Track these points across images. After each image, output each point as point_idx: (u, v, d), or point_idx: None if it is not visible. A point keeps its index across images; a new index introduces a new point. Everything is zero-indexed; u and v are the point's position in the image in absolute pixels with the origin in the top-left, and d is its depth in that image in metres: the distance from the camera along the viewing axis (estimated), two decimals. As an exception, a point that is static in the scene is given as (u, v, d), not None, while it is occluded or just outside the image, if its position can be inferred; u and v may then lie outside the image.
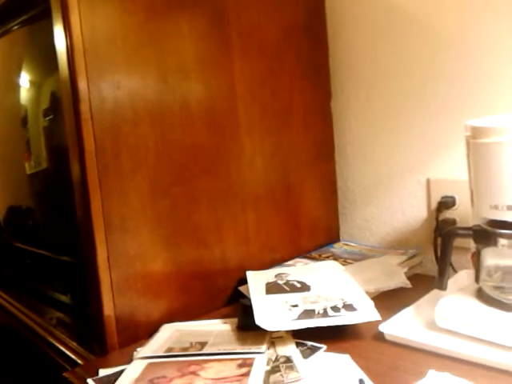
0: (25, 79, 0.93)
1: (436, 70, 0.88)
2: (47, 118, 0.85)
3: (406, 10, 0.90)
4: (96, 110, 0.68)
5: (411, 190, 0.94)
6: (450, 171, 0.88)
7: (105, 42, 0.69)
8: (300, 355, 0.61)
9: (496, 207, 0.60)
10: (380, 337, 0.65)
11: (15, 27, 0.93)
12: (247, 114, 0.86)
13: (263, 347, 0.62)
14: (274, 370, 0.58)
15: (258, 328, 0.63)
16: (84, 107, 0.67)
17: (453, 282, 0.68)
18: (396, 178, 0.96)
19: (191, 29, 0.78)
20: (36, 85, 0.90)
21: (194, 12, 0.78)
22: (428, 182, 0.91)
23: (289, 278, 0.79)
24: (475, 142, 0.61)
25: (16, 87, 0.95)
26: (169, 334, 0.70)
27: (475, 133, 0.62)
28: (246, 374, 0.57)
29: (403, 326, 0.65)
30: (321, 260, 0.91)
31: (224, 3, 0.82)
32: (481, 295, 0.64)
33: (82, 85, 0.67)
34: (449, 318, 0.62)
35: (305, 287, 0.75)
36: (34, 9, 0.82)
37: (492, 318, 0.59)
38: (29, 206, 0.99)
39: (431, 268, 0.88)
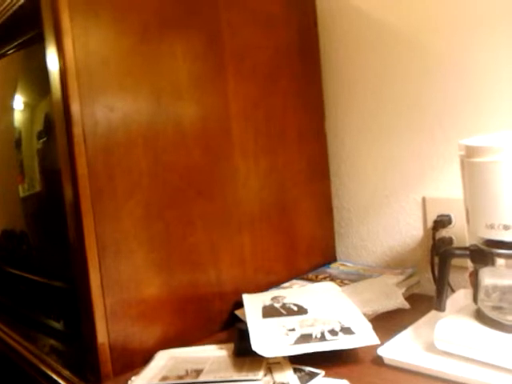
0: (19, 101, 0.93)
1: (429, 88, 0.88)
2: (41, 141, 0.85)
3: (397, 29, 0.91)
4: (89, 133, 0.68)
5: (407, 208, 0.94)
6: (445, 189, 0.88)
7: (98, 65, 0.69)
8: (298, 382, 0.60)
9: (492, 226, 0.59)
10: (379, 361, 0.64)
11: (10, 51, 0.93)
12: (241, 135, 0.86)
13: (260, 374, 0.61)
14: (272, 397, 0.57)
15: (255, 353, 0.62)
16: (77, 130, 0.67)
17: (451, 302, 0.67)
18: (391, 196, 0.96)
19: (185, 50, 0.78)
20: (30, 107, 0.90)
21: (187, 33, 0.78)
22: (424, 200, 0.91)
23: (285, 301, 0.78)
24: (470, 161, 0.61)
25: (10, 110, 0.94)
26: (164, 361, 0.68)
27: (469, 152, 0.62)
28: (243, 403, 0.55)
29: (402, 349, 0.64)
30: (317, 281, 0.90)
31: (217, 25, 0.83)
32: (479, 316, 0.63)
33: (75, 108, 0.66)
34: (448, 340, 0.61)
35: (302, 310, 0.74)
36: (29, 33, 0.82)
37: (491, 340, 0.58)
38: (22, 229, 0.98)
39: (429, 287, 0.87)
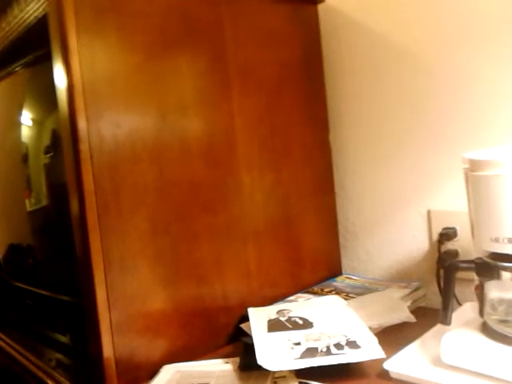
0: (26, 117, 0.94)
1: (433, 102, 0.89)
2: (48, 155, 0.86)
3: (401, 45, 0.92)
4: (95, 150, 0.68)
5: (412, 221, 0.94)
6: (450, 202, 0.88)
7: (105, 83, 0.70)
8: (304, 396, 0.60)
9: (497, 240, 0.59)
10: (385, 374, 0.63)
11: (18, 68, 0.95)
12: (246, 150, 0.86)
13: (266, 388, 0.61)
14: (277, 412, 0.57)
15: (261, 367, 0.62)
16: (83, 147, 0.67)
17: (457, 315, 0.67)
18: (396, 209, 0.96)
19: (190, 67, 0.79)
20: (37, 122, 0.91)
21: (192, 51, 0.79)
22: (429, 213, 0.91)
23: (291, 315, 0.78)
24: (473, 174, 0.61)
25: (18, 125, 0.96)
26: (170, 375, 0.68)
27: (473, 166, 0.62)
28: (249, 418, 0.55)
29: (408, 362, 0.64)
30: (323, 295, 0.90)
31: (222, 41, 0.84)
32: (486, 329, 0.63)
33: (82, 125, 0.67)
34: (454, 353, 0.61)
35: (307, 324, 0.74)
36: (37, 51, 0.84)
37: (498, 354, 0.58)
38: (29, 243, 0.98)
39: (435, 300, 0.87)
